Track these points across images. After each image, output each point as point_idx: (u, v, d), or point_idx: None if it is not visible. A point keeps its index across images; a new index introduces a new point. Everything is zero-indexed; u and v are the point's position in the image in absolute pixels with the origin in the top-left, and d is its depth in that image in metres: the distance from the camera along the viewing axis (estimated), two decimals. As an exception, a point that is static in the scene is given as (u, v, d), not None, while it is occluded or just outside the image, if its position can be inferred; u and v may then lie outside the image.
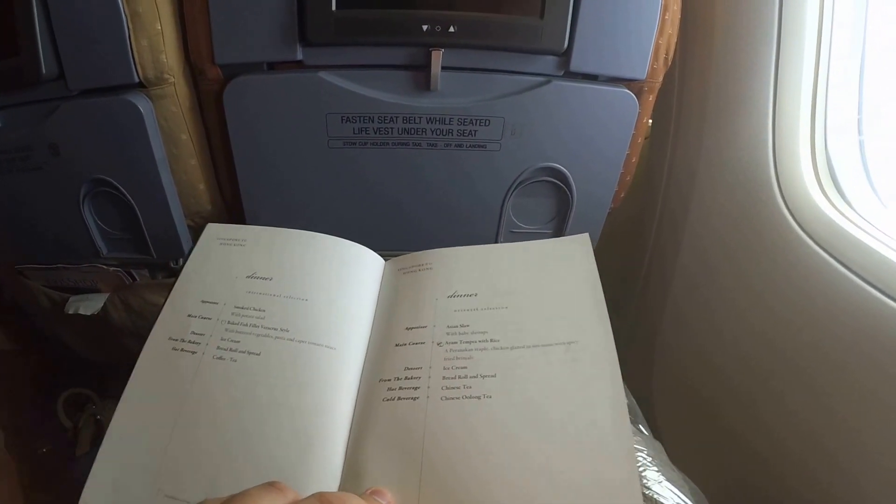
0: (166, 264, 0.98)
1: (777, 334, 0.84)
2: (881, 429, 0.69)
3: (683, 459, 0.86)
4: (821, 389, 0.77)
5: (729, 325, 0.94)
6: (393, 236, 0.91)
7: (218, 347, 0.56)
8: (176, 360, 0.55)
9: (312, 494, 0.39)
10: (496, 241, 0.95)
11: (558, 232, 0.94)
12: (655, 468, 0.65)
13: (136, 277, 1.00)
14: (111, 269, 0.98)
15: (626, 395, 0.83)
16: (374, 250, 0.69)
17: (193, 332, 0.57)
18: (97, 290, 1.01)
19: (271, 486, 0.39)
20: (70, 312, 1.00)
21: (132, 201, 0.86)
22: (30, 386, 1.32)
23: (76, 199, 0.86)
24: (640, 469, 0.65)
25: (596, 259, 0.61)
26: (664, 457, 0.68)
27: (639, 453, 0.66)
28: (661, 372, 1.10)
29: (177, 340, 0.56)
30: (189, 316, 0.58)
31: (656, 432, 1.02)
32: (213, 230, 0.68)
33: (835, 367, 0.75)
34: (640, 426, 0.73)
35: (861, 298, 0.71)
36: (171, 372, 0.54)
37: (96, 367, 1.22)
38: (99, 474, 0.49)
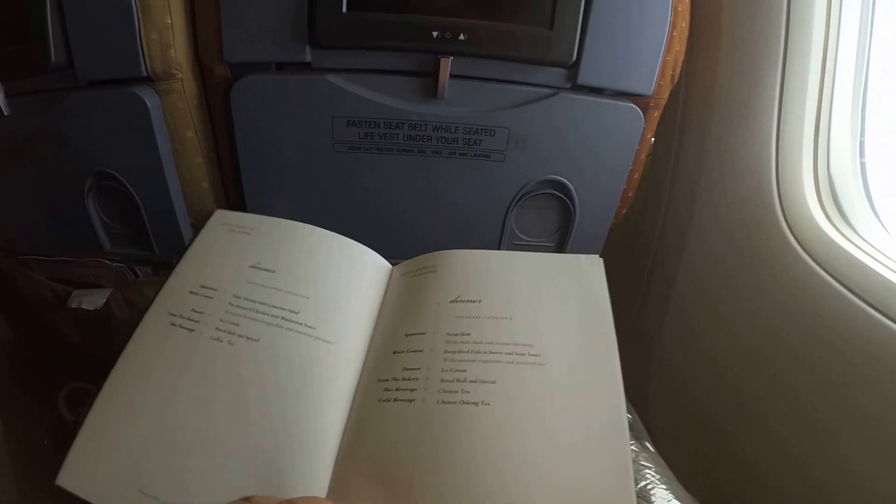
0: (169, 262, 0.92)
1: (777, 353, 0.79)
2: (877, 448, 0.65)
3: (679, 471, 0.81)
4: (819, 409, 0.73)
5: (729, 345, 0.89)
6: (393, 243, 0.85)
7: (217, 328, 0.51)
8: (173, 335, 0.50)
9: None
10: (499, 252, 0.90)
11: (560, 245, 0.90)
12: (664, 486, 0.60)
13: (139, 274, 0.95)
14: (114, 264, 0.93)
15: (630, 412, 0.78)
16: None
17: (193, 310, 0.52)
18: (100, 286, 0.96)
19: (247, 501, 0.35)
20: (73, 307, 0.95)
21: (136, 196, 0.82)
22: (32, 378, 1.27)
23: (81, 192, 0.82)
24: (650, 487, 0.59)
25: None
26: (670, 474, 0.62)
27: (647, 471, 0.61)
28: (658, 389, 1.05)
29: (176, 316, 0.52)
30: (191, 293, 0.54)
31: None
32: (220, 216, 0.63)
33: (833, 386, 0.71)
34: (647, 443, 0.68)
35: (861, 319, 0.67)
36: (166, 347, 0.50)
37: (98, 362, 1.16)
38: (80, 455, 0.44)
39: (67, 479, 0.43)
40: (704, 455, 0.91)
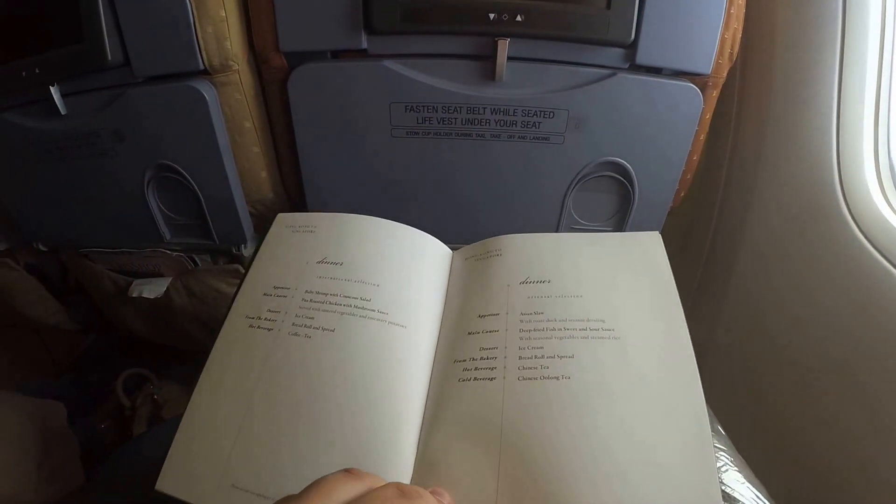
0: (228, 250, 0.94)
1: (834, 341, 0.78)
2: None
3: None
4: (876, 397, 0.71)
5: (785, 331, 0.87)
6: (451, 228, 0.85)
7: (293, 324, 0.51)
8: (253, 337, 0.51)
9: (389, 483, 0.34)
10: (557, 236, 0.89)
11: (618, 229, 0.88)
12: (736, 469, 0.59)
13: (199, 262, 0.96)
14: (174, 253, 0.94)
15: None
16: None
17: (269, 310, 0.53)
18: (160, 275, 0.97)
19: (348, 472, 0.34)
20: (133, 296, 0.96)
21: (196, 187, 0.82)
22: (92, 365, 1.29)
23: (141, 185, 0.83)
24: (724, 469, 0.58)
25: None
26: (742, 459, 0.61)
27: (720, 453, 0.60)
28: (712, 376, 1.03)
29: (253, 318, 0.52)
30: (265, 295, 0.54)
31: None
32: (282, 219, 0.63)
33: (892, 375, 0.69)
34: (718, 426, 0.67)
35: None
36: (248, 348, 0.50)
37: (155, 348, 1.19)
38: (175, 461, 0.45)
39: (166, 483, 0.43)
40: (766, 445, 0.89)
